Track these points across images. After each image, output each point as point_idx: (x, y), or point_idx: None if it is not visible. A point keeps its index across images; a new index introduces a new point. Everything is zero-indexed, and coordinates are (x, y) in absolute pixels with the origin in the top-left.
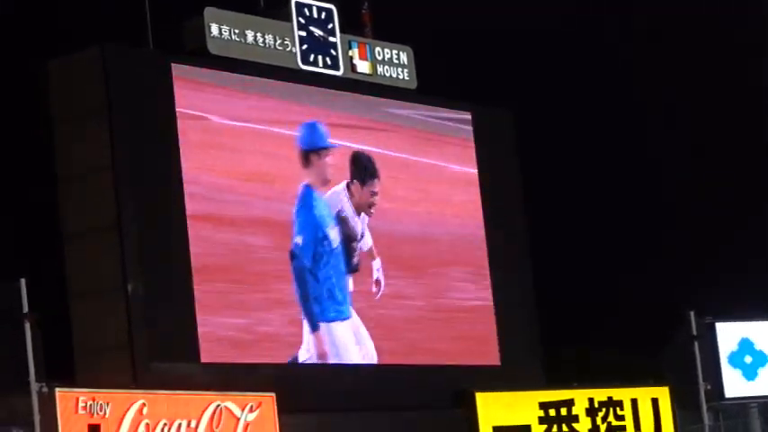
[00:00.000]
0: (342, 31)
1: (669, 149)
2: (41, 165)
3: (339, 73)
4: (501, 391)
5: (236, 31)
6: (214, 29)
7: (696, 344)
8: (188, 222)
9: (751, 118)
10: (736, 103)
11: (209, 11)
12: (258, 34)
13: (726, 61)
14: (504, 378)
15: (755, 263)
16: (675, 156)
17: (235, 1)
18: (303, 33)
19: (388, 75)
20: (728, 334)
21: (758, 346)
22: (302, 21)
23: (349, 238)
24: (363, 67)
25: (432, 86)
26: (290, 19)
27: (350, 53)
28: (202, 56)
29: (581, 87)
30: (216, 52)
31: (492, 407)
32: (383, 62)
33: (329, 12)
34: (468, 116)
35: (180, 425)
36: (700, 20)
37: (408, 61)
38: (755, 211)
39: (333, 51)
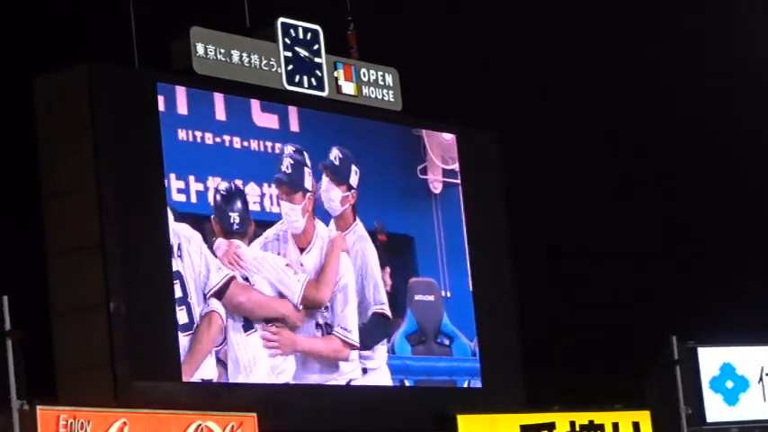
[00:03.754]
0: (327, 51)
1: (656, 171)
2: (25, 182)
3: (324, 94)
4: (482, 413)
5: (222, 50)
6: (200, 48)
7: (678, 368)
8: (171, 241)
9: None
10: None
11: (195, 30)
12: (244, 54)
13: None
14: (486, 400)
15: (738, 287)
16: (662, 178)
17: (221, 21)
18: (289, 54)
19: (373, 96)
20: (710, 359)
21: (740, 371)
22: (288, 41)
23: None
24: (348, 88)
25: (417, 109)
26: (275, 39)
27: (335, 74)
28: (188, 75)
29: (569, 110)
30: (201, 72)
31: (473, 429)
32: (368, 83)
33: (315, 32)
34: (452, 138)
35: None
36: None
37: (394, 83)
38: (740, 236)
39: (318, 72)
